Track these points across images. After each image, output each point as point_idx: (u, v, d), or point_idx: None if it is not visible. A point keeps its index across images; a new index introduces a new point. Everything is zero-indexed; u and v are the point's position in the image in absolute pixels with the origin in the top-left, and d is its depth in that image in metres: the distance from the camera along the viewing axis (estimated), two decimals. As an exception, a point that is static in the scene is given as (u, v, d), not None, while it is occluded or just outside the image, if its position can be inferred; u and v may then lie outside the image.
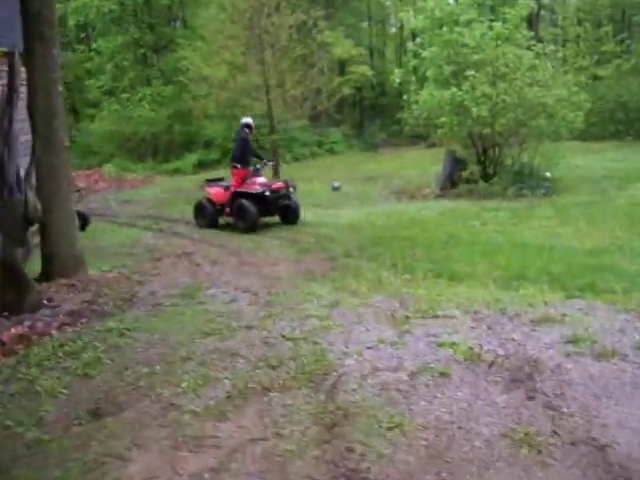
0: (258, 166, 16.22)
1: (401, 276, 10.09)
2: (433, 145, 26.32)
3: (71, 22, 36.39)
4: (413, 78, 24.41)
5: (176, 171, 32.09)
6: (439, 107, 21.11)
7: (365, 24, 41.21)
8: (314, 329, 6.98)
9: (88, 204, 23.58)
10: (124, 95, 34.10)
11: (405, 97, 27.29)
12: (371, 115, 41.49)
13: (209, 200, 16.80)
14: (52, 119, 9.68)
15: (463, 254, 11.53)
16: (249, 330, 7.14)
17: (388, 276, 10.01)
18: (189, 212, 19.69)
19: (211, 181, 17.63)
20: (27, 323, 8.48)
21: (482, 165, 21.90)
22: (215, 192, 16.75)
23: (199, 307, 8.56)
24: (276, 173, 23.26)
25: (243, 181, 15.93)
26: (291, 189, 15.88)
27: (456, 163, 21.98)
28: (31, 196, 8.67)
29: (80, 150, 35.44)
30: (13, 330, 8.27)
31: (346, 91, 31.73)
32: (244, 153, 16.06)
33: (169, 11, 36.26)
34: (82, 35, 38.12)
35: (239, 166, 15.97)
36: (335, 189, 22.93)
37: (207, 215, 16.76)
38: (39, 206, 8.83)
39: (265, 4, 22.21)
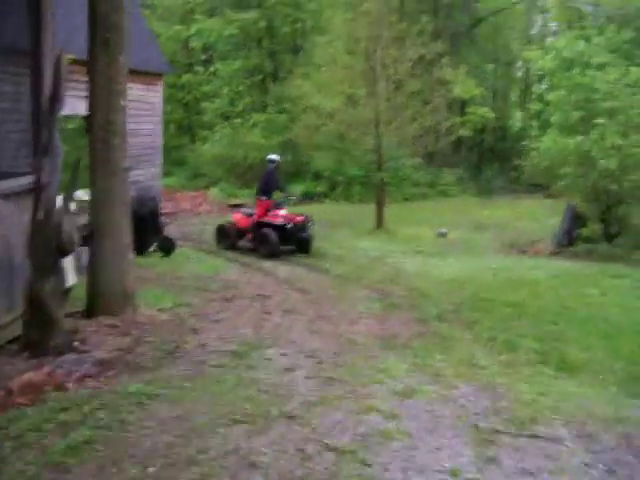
0: (281, 200, 17.74)
1: (499, 356, 8.21)
2: (552, 196, 24.01)
3: (193, 44, 35.96)
4: (535, 123, 22.17)
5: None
6: (562, 156, 18.93)
7: (490, 65, 39.17)
8: (371, 435, 5.23)
9: (184, 227, 22.65)
10: (237, 120, 33.22)
11: (526, 143, 25.12)
12: (489, 159, 39.31)
13: (232, 224, 17.98)
14: (111, 137, 8.36)
15: (577, 333, 9.49)
16: (289, 424, 5.46)
17: (483, 354, 8.13)
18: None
19: (234, 206, 19.75)
20: (46, 368, 7.11)
21: (605, 223, 19.49)
22: (239, 218, 17.97)
23: (246, 374, 6.95)
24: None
25: (266, 211, 17.13)
26: (309, 224, 17.06)
27: (576, 219, 19.67)
28: (67, 223, 7.29)
29: (190, 171, 34.87)
30: (28, 375, 6.92)
31: (464, 132, 29.82)
32: (269, 186, 17.37)
33: (291, 39, 35.29)
34: (203, 58, 37.63)
35: (264, 198, 17.26)
36: (441, 235, 21.06)
37: (228, 237, 17.86)
38: (76, 236, 7.44)
39: (383, 35, 20.73)
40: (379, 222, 22.22)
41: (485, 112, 33.75)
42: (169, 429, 5.35)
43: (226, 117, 34.59)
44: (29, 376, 6.92)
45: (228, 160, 32.77)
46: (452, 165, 35.79)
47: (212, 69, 35.82)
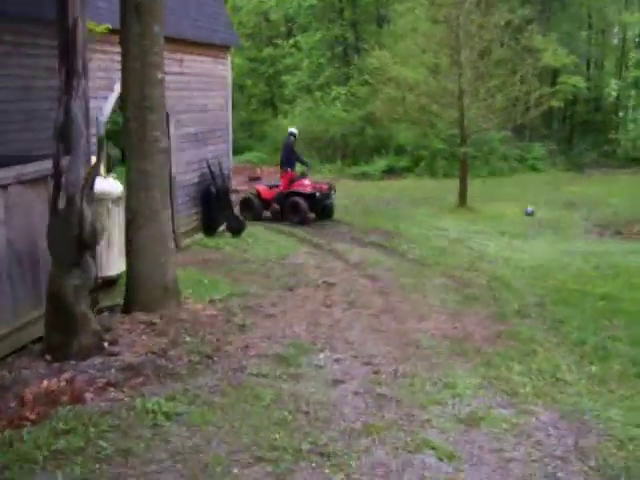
0: (304, 170, 18.83)
1: (588, 366, 6.95)
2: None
3: (273, 16, 34.95)
4: (633, 93, 20.26)
5: (363, 175, 29.75)
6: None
7: (583, 32, 36.69)
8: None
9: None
10: (318, 93, 32.13)
11: (622, 114, 23.18)
12: (581, 132, 36.92)
13: (256, 196, 18.63)
14: (146, 113, 7.41)
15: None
16: (319, 465, 4.42)
17: (569, 364, 6.89)
18: (357, 226, 17.31)
19: (253, 179, 21.38)
20: (67, 374, 6.30)
21: None
22: (262, 189, 18.84)
23: (287, 386, 5.97)
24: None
25: (290, 182, 18.05)
26: (332, 192, 18.22)
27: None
28: (88, 212, 6.40)
29: (272, 146, 34.05)
30: (46, 382, 6.13)
31: (554, 103, 27.86)
32: (289, 158, 18.32)
33: (374, 9, 33.84)
34: (283, 29, 36.60)
35: (288, 169, 18.24)
36: (528, 214, 19.53)
37: (253, 209, 18.36)
38: (99, 225, 6.54)
39: (467, 0, 19.21)
40: (462, 199, 20.85)
41: (577, 82, 31.50)
42: (177, 466, 4.41)
43: (307, 90, 33.54)
44: (46, 384, 6.12)
45: (308, 134, 31.78)
46: (542, 138, 33.77)
47: (292, 41, 34.75)
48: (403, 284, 11.01)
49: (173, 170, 14.33)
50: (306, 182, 18.08)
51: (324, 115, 31.20)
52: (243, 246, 14.45)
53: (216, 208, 15.61)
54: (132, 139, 7.47)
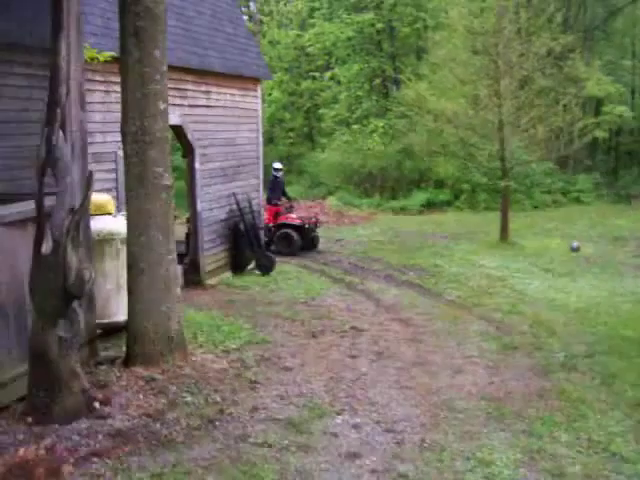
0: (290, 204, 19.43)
1: (649, 436, 5.96)
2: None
3: (310, 49, 34.42)
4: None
5: (402, 209, 28.82)
6: None
7: (628, 60, 35.42)
8: None
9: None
10: (356, 126, 31.38)
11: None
12: (627, 163, 35.54)
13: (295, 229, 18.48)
14: (147, 148, 6.68)
15: None
16: None
17: (625, 433, 5.90)
18: (393, 263, 16.41)
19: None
20: (48, 440, 5.55)
21: None
22: None
23: (294, 461, 5.17)
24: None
25: (275, 216, 18.61)
26: (317, 224, 19.17)
27: None
28: (74, 258, 5.64)
29: (310, 180, 33.39)
30: (22, 451, 5.41)
31: (599, 133, 26.71)
32: (276, 193, 18.91)
33: (413, 40, 33.06)
34: (321, 63, 35.98)
35: (279, 202, 18.81)
36: (574, 249, 18.39)
37: (292, 243, 18.20)
38: (88, 274, 5.77)
39: (506, 28, 18.33)
40: (504, 234, 19.77)
41: (622, 111, 30.27)
42: None
43: (345, 124, 32.83)
44: (23, 452, 5.38)
45: (346, 168, 31.09)
46: (586, 170, 32.50)
47: (330, 74, 34.16)
48: (438, 330, 10.09)
49: (198, 207, 13.68)
50: (293, 215, 18.88)
51: (362, 148, 30.40)
52: (271, 286, 13.70)
53: (245, 245, 14.91)
54: (131, 176, 6.75)
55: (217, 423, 5.90)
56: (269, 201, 18.77)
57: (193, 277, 13.60)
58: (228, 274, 14.63)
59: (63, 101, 5.48)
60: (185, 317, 9.70)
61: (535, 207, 28.78)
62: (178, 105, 12.80)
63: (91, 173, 5.81)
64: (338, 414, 6.24)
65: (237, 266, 15.01)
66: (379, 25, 31.78)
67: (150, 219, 6.77)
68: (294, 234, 18.06)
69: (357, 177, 31.32)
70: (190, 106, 13.20)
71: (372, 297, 12.79)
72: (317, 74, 35.19)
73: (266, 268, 14.96)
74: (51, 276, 5.63)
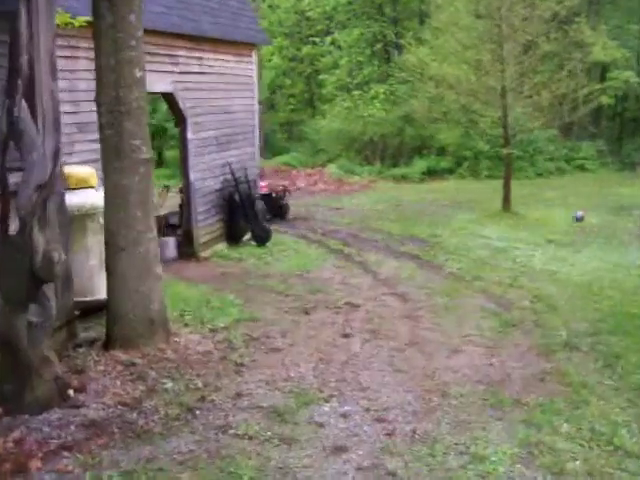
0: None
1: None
2: None
3: (310, 14, 33.67)
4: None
5: (403, 177, 28.27)
6: None
7: (635, 25, 34.54)
8: None
9: (292, 209, 20.71)
10: (356, 92, 30.73)
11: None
12: (632, 130, 34.88)
13: None
14: (123, 119, 6.24)
15: None
16: None
17: (629, 424, 5.53)
18: (393, 234, 16.00)
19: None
20: (17, 433, 5.21)
21: None
22: None
23: (275, 456, 4.81)
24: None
25: None
26: (286, 193, 19.15)
27: None
28: (40, 239, 5.25)
29: (310, 147, 32.82)
30: (-10, 446, 5.07)
31: (604, 100, 26.08)
32: None
33: (415, 4, 32.24)
34: (321, 27, 35.17)
35: None
36: (578, 220, 17.93)
37: None
38: (57, 255, 5.38)
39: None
40: (506, 203, 19.29)
41: (628, 77, 29.58)
42: None
43: (346, 90, 32.17)
44: (-7, 444, 5.06)
45: (346, 135, 30.51)
46: (590, 137, 31.89)
47: (330, 39, 33.42)
48: (436, 305, 9.72)
49: (191, 177, 13.26)
50: (263, 184, 18.51)
51: (362, 115, 29.80)
52: (267, 257, 13.34)
53: (240, 216, 14.50)
54: (107, 149, 6.34)
55: (197, 412, 5.56)
56: None
57: (187, 249, 13.26)
58: (223, 245, 14.25)
59: (25, 71, 5.05)
60: (174, 292, 9.39)
61: (539, 175, 28.29)
62: (169, 72, 12.34)
63: (58, 148, 5.40)
64: (326, 401, 5.89)
65: (232, 237, 14.63)
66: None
67: (128, 195, 6.37)
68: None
69: (357, 144, 30.77)
70: (182, 73, 12.72)
71: (369, 269, 12.41)
72: (317, 39, 34.41)
73: (262, 239, 14.57)
74: (18, 258, 5.26)
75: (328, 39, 33.67)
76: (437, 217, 18.42)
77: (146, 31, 11.63)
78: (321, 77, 34.07)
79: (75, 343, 6.90)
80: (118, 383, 6.01)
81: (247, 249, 14.07)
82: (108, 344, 6.70)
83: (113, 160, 6.30)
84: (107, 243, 6.60)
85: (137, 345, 6.56)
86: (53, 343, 6.14)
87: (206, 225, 13.78)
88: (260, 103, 34.38)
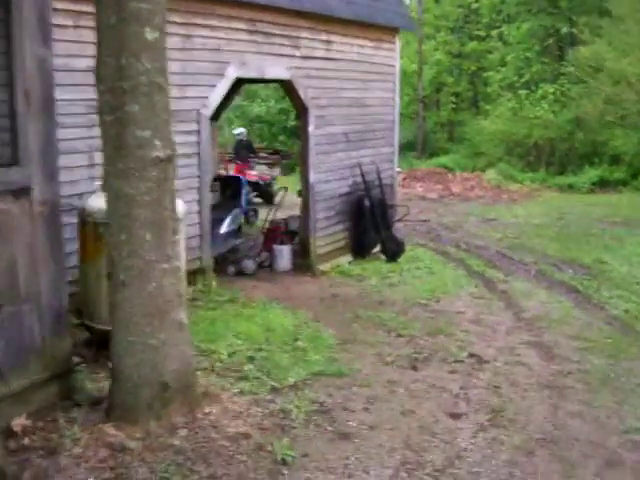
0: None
1: None
2: None
3: (476, 5, 30.87)
4: None
5: (570, 187, 24.96)
6: None
7: None
8: None
9: (442, 217, 18.33)
10: (523, 92, 27.61)
11: None
12: None
13: None
14: (125, 99, 4.18)
15: None
16: None
17: None
18: (549, 255, 13.27)
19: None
20: None
21: None
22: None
23: None
24: None
25: (239, 172, 18.22)
26: (274, 181, 19.50)
27: None
28: None
29: (470, 150, 30.07)
30: None
31: None
32: (238, 153, 19.90)
33: (597, -4, 28.66)
34: (486, 20, 32.21)
35: (238, 162, 19.45)
36: None
37: None
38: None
39: None
40: (691, 225, 15.98)
41: None
42: None
43: (513, 89, 29.09)
44: None
45: (509, 138, 27.52)
46: None
47: (496, 32, 30.41)
48: (591, 373, 7.04)
49: (311, 178, 11.25)
50: (253, 172, 19.31)
51: (528, 116, 26.70)
52: (393, 277, 11.19)
53: (370, 225, 12.31)
54: (107, 143, 4.31)
55: None
56: (234, 160, 19.94)
57: (302, 260, 11.36)
58: (346, 259, 12.19)
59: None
60: (258, 321, 7.44)
61: None
62: (287, 55, 10.38)
63: (50, 136, 3.42)
64: None
65: (359, 249, 12.51)
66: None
67: (133, 209, 4.30)
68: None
69: (521, 148, 27.73)
70: (303, 57, 10.71)
71: (512, 303, 9.87)
72: (483, 33, 31.51)
73: (393, 253, 12.40)
74: None
75: (494, 32, 30.63)
76: (605, 238, 15.33)
77: (259, 5, 9.87)
78: (486, 75, 31.14)
79: (75, 401, 4.97)
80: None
81: (373, 265, 11.96)
82: (109, 410, 4.70)
83: (114, 159, 4.28)
84: (108, 275, 4.58)
85: (139, 419, 4.51)
86: (30, 404, 4.26)
87: (327, 234, 11.76)
88: (421, 101, 32.38)
